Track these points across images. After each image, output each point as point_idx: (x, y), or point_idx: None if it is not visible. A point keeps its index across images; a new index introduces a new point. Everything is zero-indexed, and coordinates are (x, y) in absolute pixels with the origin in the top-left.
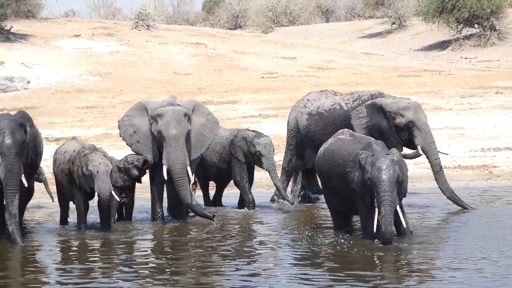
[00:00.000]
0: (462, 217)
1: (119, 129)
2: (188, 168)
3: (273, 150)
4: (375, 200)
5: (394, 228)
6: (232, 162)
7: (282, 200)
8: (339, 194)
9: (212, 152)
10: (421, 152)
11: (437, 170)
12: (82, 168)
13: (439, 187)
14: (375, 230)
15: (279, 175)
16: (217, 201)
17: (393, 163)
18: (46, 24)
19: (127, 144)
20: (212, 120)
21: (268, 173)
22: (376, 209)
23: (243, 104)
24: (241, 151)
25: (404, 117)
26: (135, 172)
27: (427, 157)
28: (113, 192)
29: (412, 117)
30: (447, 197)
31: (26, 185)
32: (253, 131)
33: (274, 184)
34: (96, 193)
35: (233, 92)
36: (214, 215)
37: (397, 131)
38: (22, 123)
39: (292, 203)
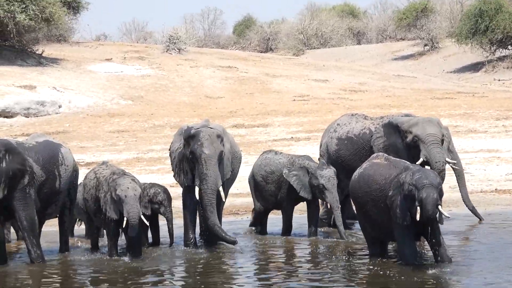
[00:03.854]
0: (500, 242)
1: None
2: (220, 188)
3: (336, 183)
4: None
5: (436, 211)
6: (284, 187)
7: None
8: (375, 220)
9: (270, 181)
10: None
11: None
12: (111, 193)
13: None
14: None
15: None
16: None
17: (435, 173)
18: (78, 48)
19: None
20: (234, 143)
21: (332, 208)
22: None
23: (275, 127)
24: (296, 180)
25: (411, 134)
26: (154, 208)
27: (430, 163)
28: (142, 217)
29: (417, 132)
30: None
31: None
32: (319, 159)
33: (337, 225)
34: (125, 218)
35: (264, 115)
36: (235, 241)
37: (408, 150)
38: None
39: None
